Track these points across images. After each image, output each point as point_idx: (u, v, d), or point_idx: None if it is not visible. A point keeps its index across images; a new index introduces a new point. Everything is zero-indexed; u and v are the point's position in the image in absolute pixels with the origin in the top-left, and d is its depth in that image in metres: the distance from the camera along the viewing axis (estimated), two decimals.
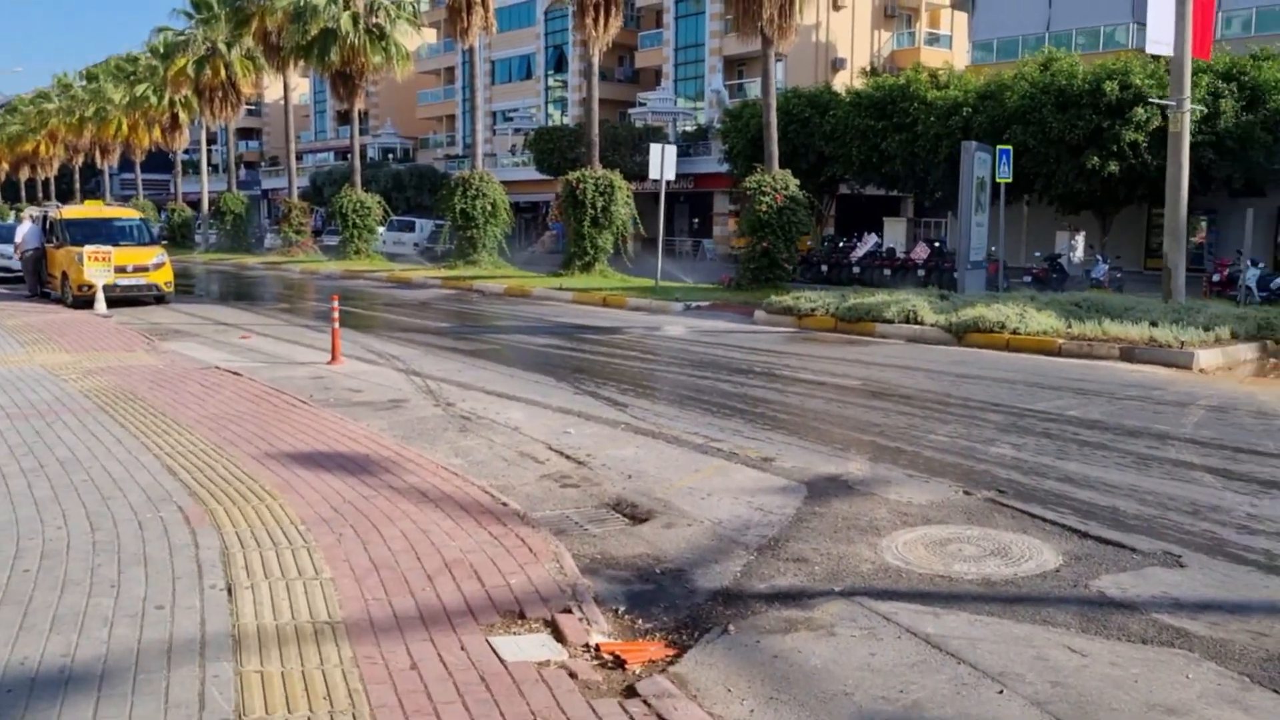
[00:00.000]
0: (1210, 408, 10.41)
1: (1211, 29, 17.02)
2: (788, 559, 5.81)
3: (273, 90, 62.37)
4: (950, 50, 55.43)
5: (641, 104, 54.42)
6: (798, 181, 22.75)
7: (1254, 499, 7.03)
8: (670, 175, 22.29)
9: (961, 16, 58.08)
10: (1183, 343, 13.54)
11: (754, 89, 52.61)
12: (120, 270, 20.82)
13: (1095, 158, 29.73)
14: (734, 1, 22.47)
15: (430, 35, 73.96)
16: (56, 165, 68.24)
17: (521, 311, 20.97)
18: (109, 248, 20.24)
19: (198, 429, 8.64)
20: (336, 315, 13.40)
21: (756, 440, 8.86)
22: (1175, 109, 15.88)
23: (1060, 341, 14.36)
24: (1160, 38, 15.58)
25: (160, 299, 21.97)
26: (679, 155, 51.45)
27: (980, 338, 15.20)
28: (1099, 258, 30.11)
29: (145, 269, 21.51)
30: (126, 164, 66.57)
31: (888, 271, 32.03)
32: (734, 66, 55.95)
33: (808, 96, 38.32)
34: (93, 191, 69.13)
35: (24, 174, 73.49)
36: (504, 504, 6.55)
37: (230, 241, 45.78)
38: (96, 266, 19.84)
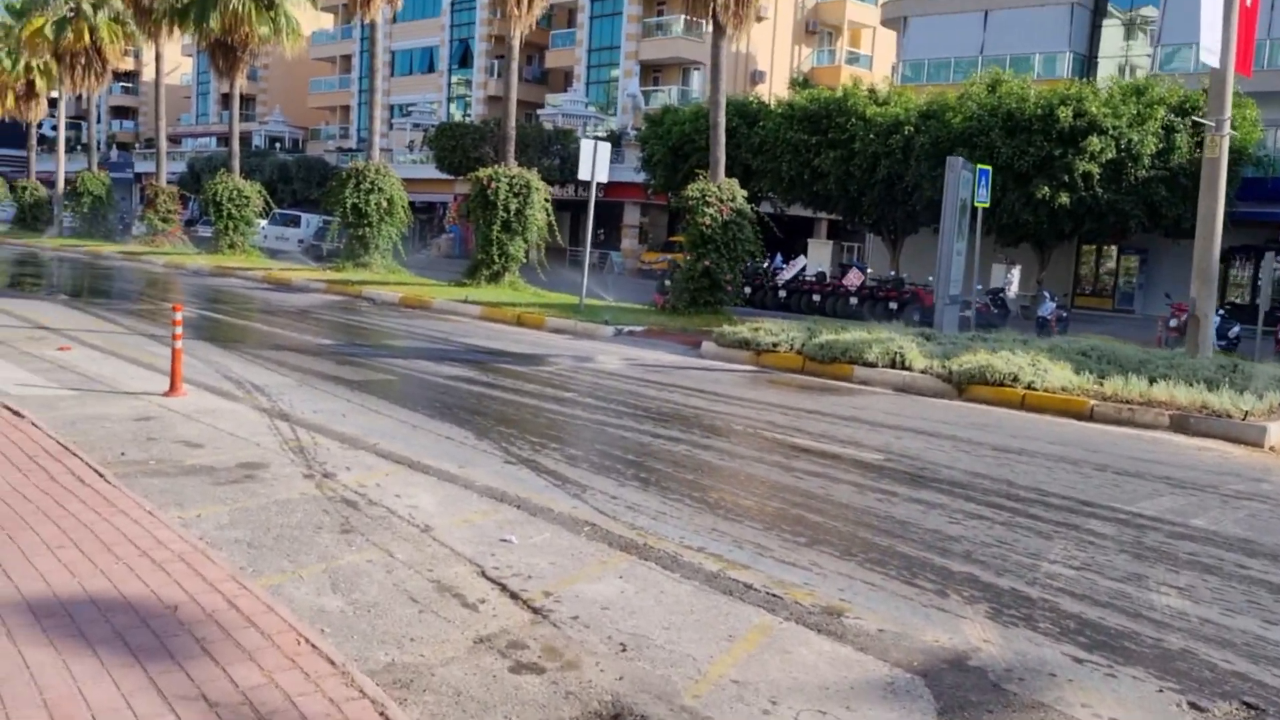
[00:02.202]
0: None
1: (1253, 45, 14.79)
2: None
3: (152, 68, 57.40)
4: (870, 70, 53.71)
5: (553, 106, 51.22)
6: (745, 193, 19.94)
7: None
8: (602, 177, 19.23)
9: (884, 38, 56.65)
10: (1245, 412, 11.04)
11: (665, 96, 50.01)
12: None
13: (1045, 187, 27.74)
14: None
15: (326, 20, 69.58)
16: None
17: (420, 327, 17.64)
18: None
19: None
20: (179, 329, 9.98)
21: (796, 565, 5.89)
22: (1214, 130, 13.52)
23: (1092, 403, 11.76)
24: (1212, 45, 13.21)
25: None
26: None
27: (987, 391, 12.53)
28: (1045, 295, 28.14)
29: None
30: None
31: (816, 297, 29.65)
32: (649, 72, 53.28)
33: (736, 105, 35.64)
34: None
35: None
36: None
37: (87, 226, 40.94)
38: None
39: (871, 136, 31.23)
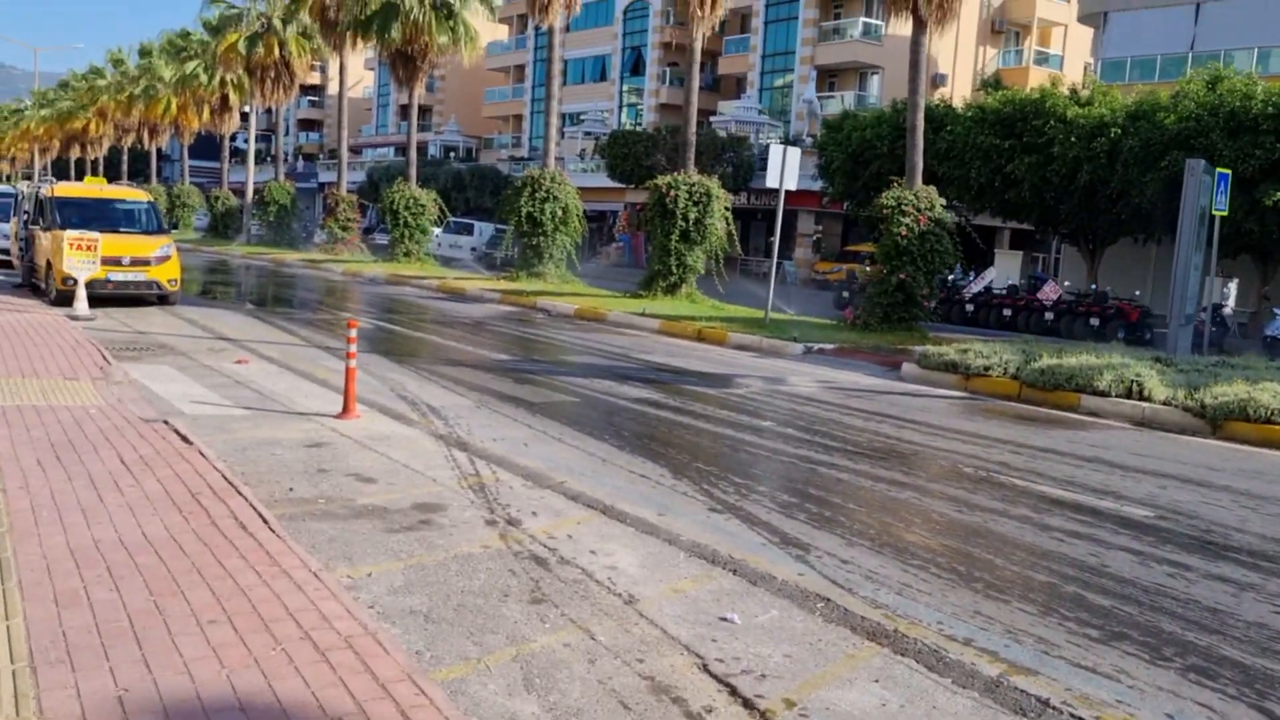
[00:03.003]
0: None
1: None
2: None
3: (336, 83, 59.17)
4: (1061, 71, 50.65)
5: (726, 113, 50.24)
6: (944, 202, 18.42)
7: None
8: (792, 184, 18.03)
9: (1075, 36, 53.50)
10: None
11: (839, 103, 48.28)
12: (113, 263, 17.02)
13: (1276, 193, 25.07)
14: None
15: (501, 31, 70.52)
16: (106, 145, 65.41)
17: (598, 342, 16.84)
18: (96, 235, 16.39)
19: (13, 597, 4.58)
20: (353, 347, 9.33)
21: (1097, 672, 4.64)
22: None
23: None
24: None
25: (163, 299, 18.18)
26: (759, 169, 47.57)
27: (1249, 430, 10.80)
28: (1275, 312, 25.44)
29: (145, 262, 17.68)
30: (196, 149, 63.58)
31: (1007, 312, 27.74)
32: (824, 77, 51.68)
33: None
34: (142, 173, 66.38)
35: (74, 153, 70.89)
36: None
37: (273, 234, 42.09)
38: (79, 257, 16.01)
39: (1072, 139, 28.97)
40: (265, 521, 5.64)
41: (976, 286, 28.78)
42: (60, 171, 76.15)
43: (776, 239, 19.08)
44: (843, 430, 10.25)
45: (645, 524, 6.55)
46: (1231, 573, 6.21)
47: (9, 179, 76.80)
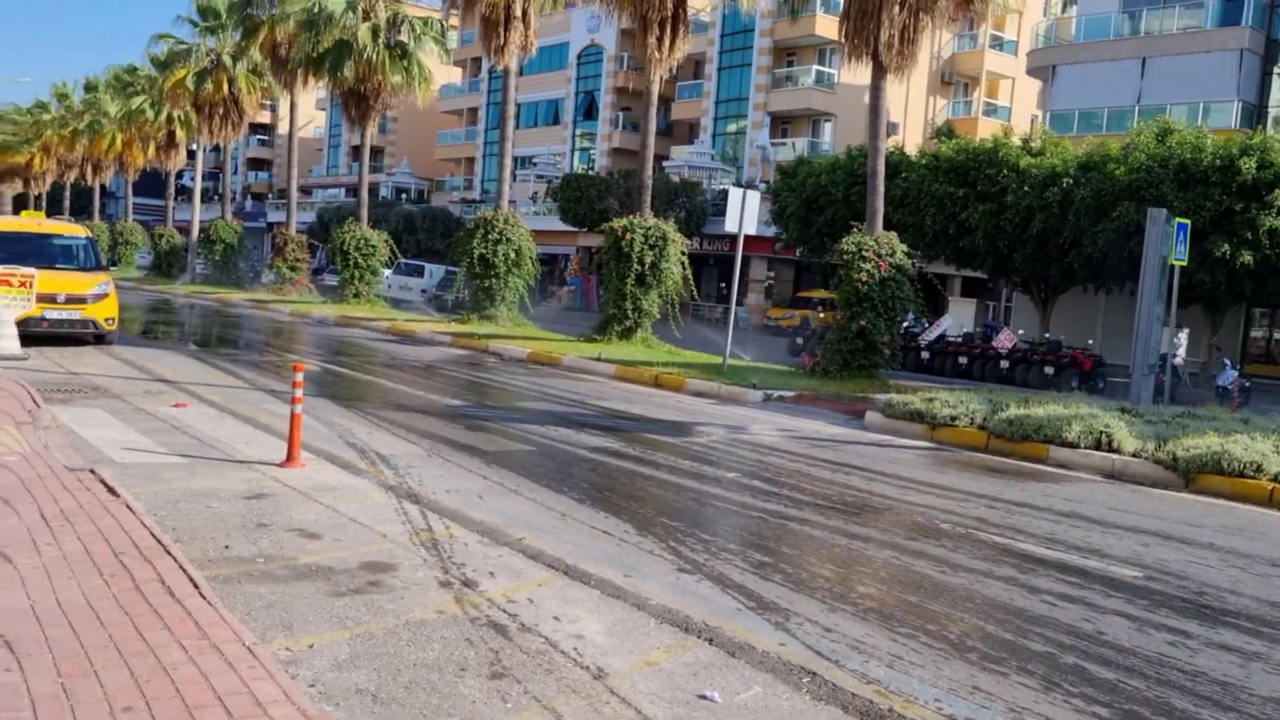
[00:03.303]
0: None
1: None
2: None
3: (287, 122, 58.55)
4: (1009, 121, 51.36)
5: (679, 158, 50.31)
6: (904, 248, 18.27)
7: None
8: (750, 228, 17.77)
9: (1023, 89, 54.45)
10: None
11: (791, 150, 48.45)
12: (48, 300, 16.29)
13: (1225, 245, 25.33)
14: (845, 20, 18.15)
15: (455, 74, 70.34)
16: (49, 180, 64.13)
17: (553, 387, 16.37)
18: (30, 271, 15.69)
19: None
20: (299, 392, 8.80)
21: None
22: None
23: None
24: None
25: (100, 338, 17.47)
26: (712, 215, 47.57)
27: (1222, 483, 10.58)
28: (1225, 362, 25.63)
29: (81, 300, 16.97)
30: (141, 186, 62.45)
31: (963, 360, 27.66)
32: (777, 124, 51.98)
33: None
34: (85, 209, 65.00)
35: (15, 188, 69.37)
36: None
37: (219, 274, 41.17)
38: (8, 294, 15.28)
39: (1025, 189, 29.19)
40: (196, 586, 5.10)
41: (932, 334, 28.73)
42: None
43: (735, 284, 18.81)
44: (810, 483, 9.86)
45: (611, 586, 6.09)
46: (1234, 640, 5.87)
47: None
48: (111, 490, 6.92)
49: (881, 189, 18.66)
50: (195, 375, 14.56)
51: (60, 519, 6.20)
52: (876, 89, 18.32)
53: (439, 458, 9.68)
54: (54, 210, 66.73)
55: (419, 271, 42.39)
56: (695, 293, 24.63)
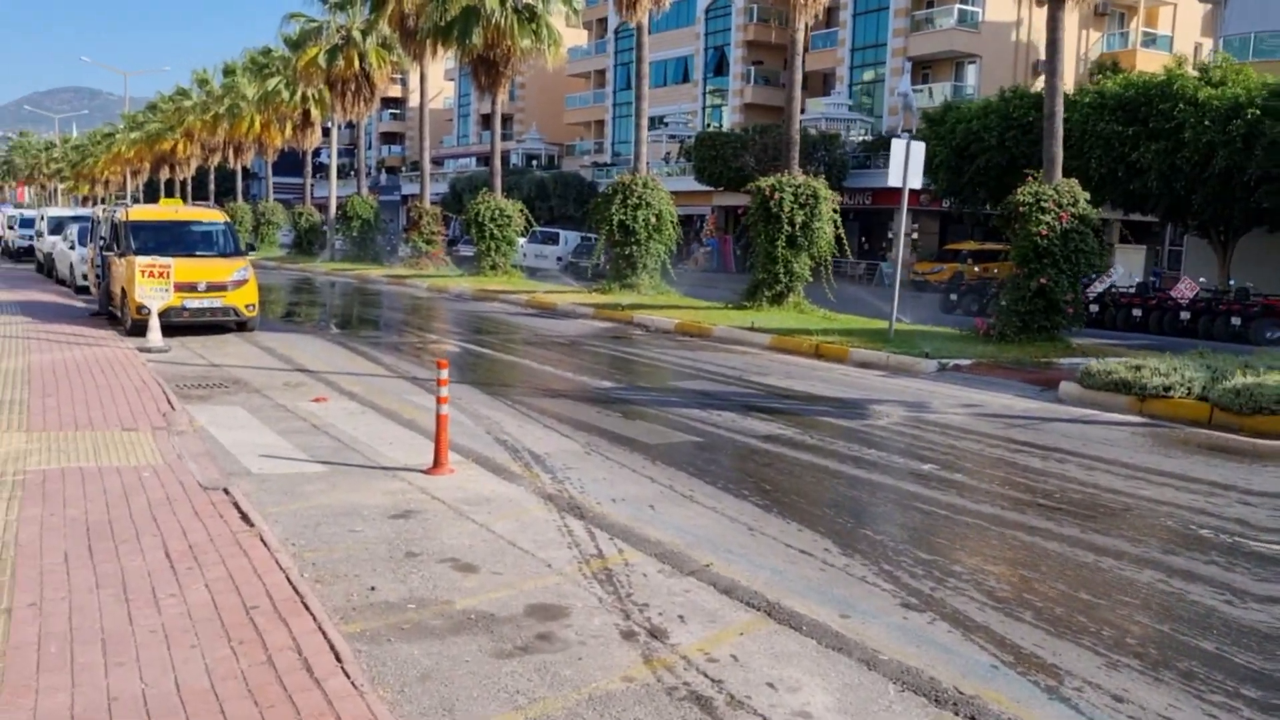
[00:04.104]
0: None
1: None
2: None
3: (417, 93, 58.66)
4: (1170, 53, 47.75)
5: (815, 110, 48.35)
6: (1088, 196, 16.49)
7: None
8: (916, 182, 16.31)
9: (1187, 13, 50.58)
10: None
11: (929, 96, 46.00)
12: (188, 289, 16.03)
13: None
14: None
15: (581, 36, 69.43)
16: (194, 165, 65.89)
17: (706, 362, 15.30)
18: (169, 261, 15.37)
19: None
20: (444, 390, 7.92)
21: None
22: None
23: None
24: None
25: (241, 325, 17.15)
26: (855, 167, 45.58)
27: None
28: None
29: (222, 287, 16.65)
30: (281, 166, 63.83)
31: (1137, 312, 25.52)
32: (918, 69, 49.42)
33: (1033, 98, 31.69)
34: (229, 191, 66.61)
35: (164, 174, 71.62)
36: None
37: (357, 249, 41.31)
38: (150, 285, 14.99)
39: (1205, 123, 26.64)
40: (338, 658, 4.21)
41: (1100, 286, 26.61)
42: (151, 192, 77.10)
43: (900, 241, 17.41)
44: (1021, 474, 8.56)
45: (828, 634, 5.00)
46: None
47: (102, 201, 78.08)
48: (245, 518, 6.15)
49: (1060, 132, 16.85)
50: (335, 362, 13.99)
51: (187, 558, 5.43)
52: (1053, 20, 16.49)
53: (598, 455, 8.73)
54: (199, 194, 68.70)
55: (554, 239, 41.77)
56: (849, 251, 23.14)
